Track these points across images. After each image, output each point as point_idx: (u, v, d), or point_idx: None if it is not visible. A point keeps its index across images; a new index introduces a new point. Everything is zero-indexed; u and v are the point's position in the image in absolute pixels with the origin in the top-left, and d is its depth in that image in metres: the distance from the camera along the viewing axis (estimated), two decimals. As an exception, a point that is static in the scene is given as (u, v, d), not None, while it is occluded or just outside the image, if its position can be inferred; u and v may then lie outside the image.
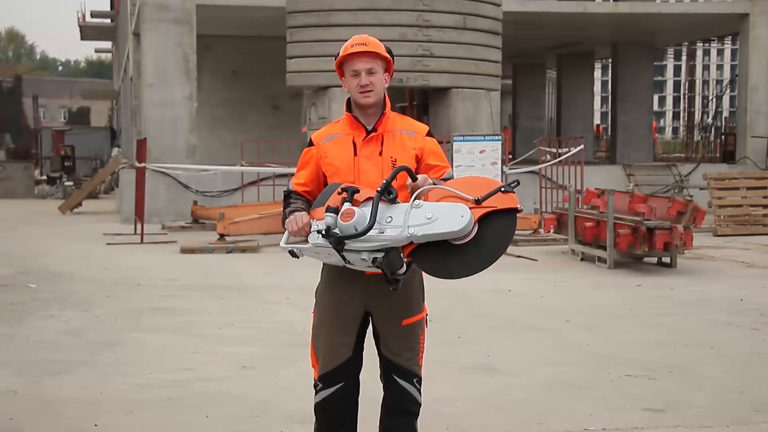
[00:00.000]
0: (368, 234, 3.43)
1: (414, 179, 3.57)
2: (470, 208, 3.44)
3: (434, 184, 3.64)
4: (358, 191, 3.55)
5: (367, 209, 3.49)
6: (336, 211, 3.49)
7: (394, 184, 3.62)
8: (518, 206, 3.50)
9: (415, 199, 3.49)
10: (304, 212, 3.68)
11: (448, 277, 3.56)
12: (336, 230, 3.47)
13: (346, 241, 3.44)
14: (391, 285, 3.53)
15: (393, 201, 3.53)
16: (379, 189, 3.51)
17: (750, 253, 13.39)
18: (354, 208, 3.48)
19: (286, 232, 3.71)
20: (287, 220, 3.69)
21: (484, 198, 3.46)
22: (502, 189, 3.48)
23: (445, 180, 3.79)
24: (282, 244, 3.70)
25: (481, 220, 3.46)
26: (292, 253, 3.66)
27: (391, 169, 3.71)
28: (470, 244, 3.46)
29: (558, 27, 24.57)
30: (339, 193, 3.57)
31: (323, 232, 3.47)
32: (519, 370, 6.47)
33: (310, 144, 3.89)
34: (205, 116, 25.12)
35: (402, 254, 3.52)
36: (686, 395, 5.80)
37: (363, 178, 3.74)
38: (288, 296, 9.37)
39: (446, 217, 3.42)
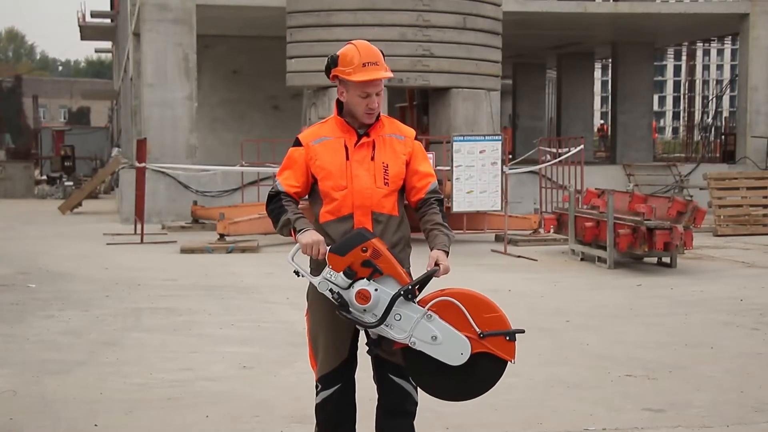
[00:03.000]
0: None
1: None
2: (471, 339, 3.64)
3: (445, 257, 3.73)
4: (380, 256, 3.62)
5: (383, 294, 3.61)
6: (354, 275, 3.61)
7: (384, 181, 3.64)
8: (513, 360, 3.68)
9: (429, 308, 3.64)
10: (321, 240, 3.68)
11: (427, 392, 3.79)
12: (345, 297, 3.62)
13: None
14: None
15: (412, 300, 3.65)
16: (402, 290, 3.61)
17: (750, 253, 13.39)
18: (371, 290, 3.61)
19: (297, 246, 3.74)
20: (303, 233, 3.68)
21: (488, 335, 3.66)
22: (507, 337, 3.68)
23: (432, 193, 3.83)
24: (290, 259, 3.76)
25: (476, 353, 3.67)
26: (297, 273, 3.77)
27: (383, 175, 3.73)
28: (457, 371, 3.66)
29: (558, 27, 24.55)
30: (363, 252, 3.63)
31: (335, 295, 3.64)
32: (519, 370, 6.41)
33: (297, 144, 3.85)
34: (205, 116, 25.12)
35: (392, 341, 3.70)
36: (686, 395, 5.80)
37: (355, 183, 3.73)
38: (288, 296, 9.37)
39: (448, 347, 3.63)
